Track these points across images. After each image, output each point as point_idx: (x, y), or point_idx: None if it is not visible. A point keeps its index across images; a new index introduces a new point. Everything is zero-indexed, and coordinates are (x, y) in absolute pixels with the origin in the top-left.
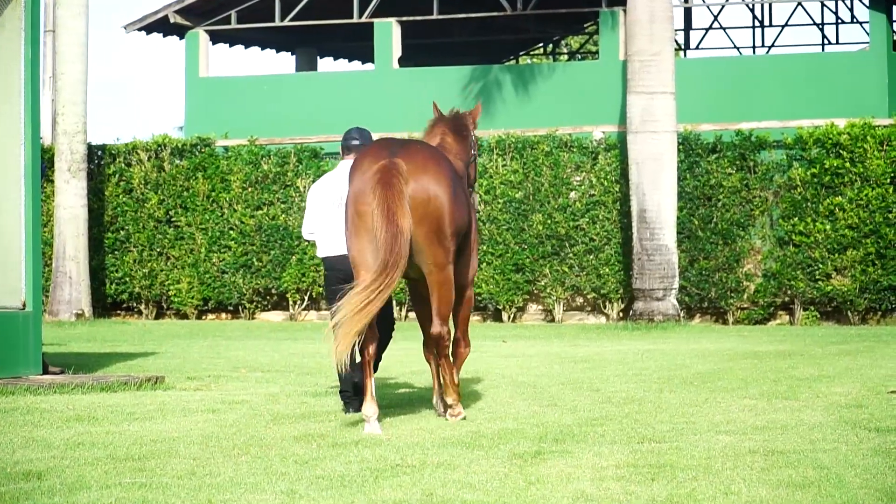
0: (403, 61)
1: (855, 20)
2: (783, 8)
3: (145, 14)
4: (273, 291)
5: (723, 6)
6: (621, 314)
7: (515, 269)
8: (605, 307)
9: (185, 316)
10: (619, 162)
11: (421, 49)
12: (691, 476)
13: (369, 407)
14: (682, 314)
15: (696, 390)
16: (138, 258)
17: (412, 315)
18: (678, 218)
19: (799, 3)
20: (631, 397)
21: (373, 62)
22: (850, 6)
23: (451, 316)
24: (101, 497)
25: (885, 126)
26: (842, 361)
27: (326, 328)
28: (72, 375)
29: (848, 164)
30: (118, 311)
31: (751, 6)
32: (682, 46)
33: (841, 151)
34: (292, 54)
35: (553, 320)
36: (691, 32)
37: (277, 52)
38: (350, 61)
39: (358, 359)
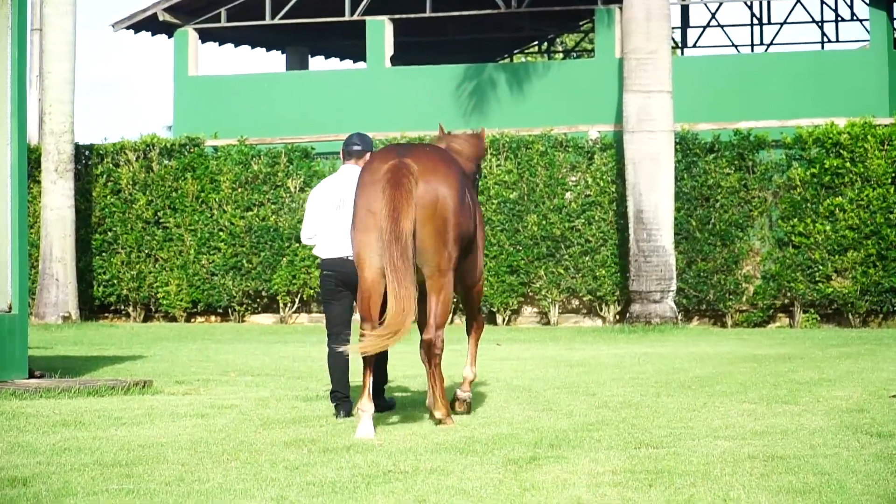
0: (396, 60)
1: (855, 17)
2: (782, 5)
3: (134, 12)
4: (263, 294)
5: (721, 3)
6: (618, 317)
7: (510, 270)
8: (601, 310)
9: (173, 319)
10: (615, 162)
11: (414, 47)
12: (689, 482)
13: (366, 403)
14: (679, 317)
15: (695, 394)
16: (126, 260)
17: None
18: (675, 219)
19: (798, 1)
20: (628, 402)
21: (365, 61)
22: (850, 3)
23: (445, 323)
24: None
25: (885, 125)
26: (843, 365)
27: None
28: (58, 379)
29: (848, 164)
30: (106, 314)
31: (749, 3)
32: (680, 44)
33: (841, 151)
34: (283, 53)
35: (548, 323)
36: (688, 30)
37: (268, 50)
38: (342, 60)
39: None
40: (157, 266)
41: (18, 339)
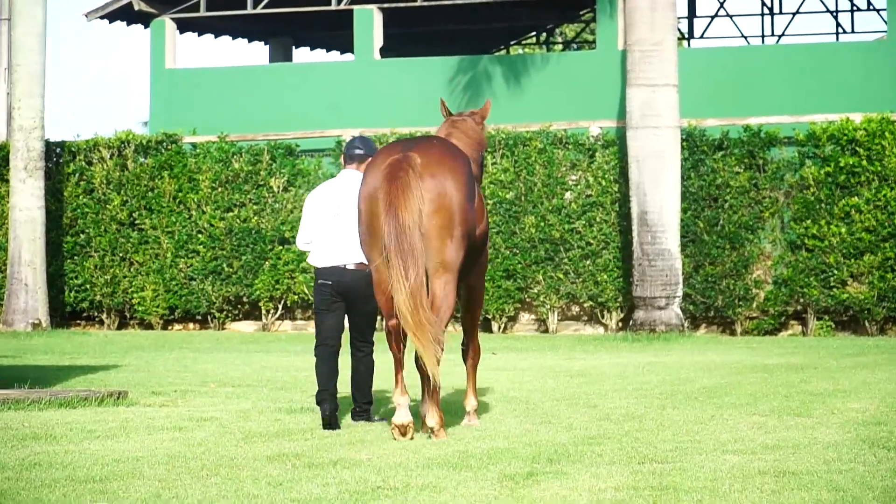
0: (385, 52)
1: (871, 7)
2: None
3: (108, 1)
4: (244, 300)
5: None
6: (620, 324)
7: (506, 275)
8: (602, 317)
9: (149, 326)
10: (617, 160)
11: (404, 38)
12: (696, 499)
13: (400, 396)
14: (686, 324)
15: (702, 406)
16: (99, 264)
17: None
18: (682, 220)
19: None
20: (631, 414)
21: (352, 52)
22: None
23: (447, 325)
24: None
25: None
26: (858, 375)
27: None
28: (28, 390)
29: (864, 162)
30: (78, 321)
31: None
32: (686, 35)
33: (857, 148)
34: (266, 44)
35: (547, 331)
36: (695, 20)
37: (250, 41)
38: (328, 51)
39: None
40: (132, 270)
41: None
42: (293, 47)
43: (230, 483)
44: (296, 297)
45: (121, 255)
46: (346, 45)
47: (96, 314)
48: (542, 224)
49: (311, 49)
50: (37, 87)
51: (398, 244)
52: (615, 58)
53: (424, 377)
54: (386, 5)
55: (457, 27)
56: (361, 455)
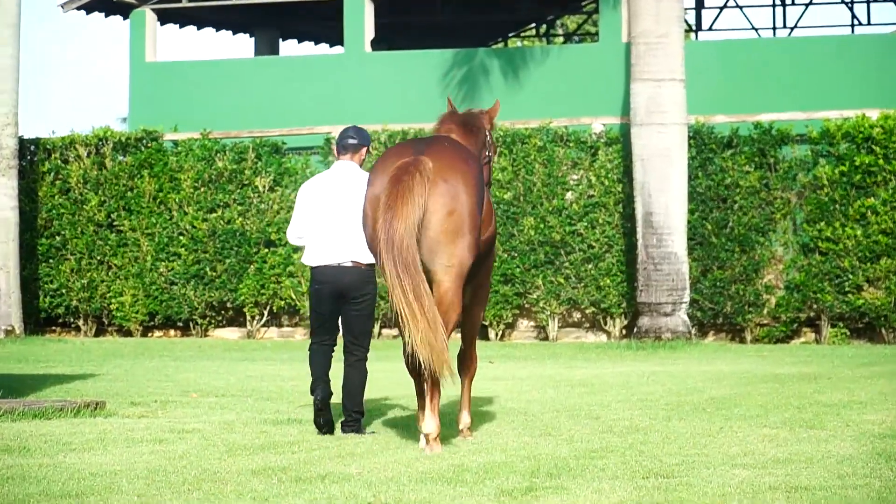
0: (377, 44)
1: None
2: None
3: None
4: (228, 305)
5: None
6: (624, 331)
7: (504, 280)
8: (605, 323)
9: (128, 333)
10: (621, 158)
11: (397, 30)
12: None
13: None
14: (693, 331)
15: (710, 418)
16: (76, 267)
17: (386, 332)
18: (689, 222)
19: None
20: (635, 426)
21: (342, 45)
22: None
23: (450, 332)
24: None
25: None
26: (875, 385)
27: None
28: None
29: (881, 161)
30: (53, 328)
31: None
32: (693, 27)
33: (873, 147)
34: (251, 36)
35: (546, 338)
36: (703, 11)
37: (234, 33)
38: (316, 44)
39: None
40: (110, 274)
41: None
42: (280, 40)
43: (213, 498)
44: (282, 302)
45: (98, 258)
46: (335, 38)
47: (72, 320)
48: (542, 226)
49: (299, 41)
50: (10, 82)
51: (387, 249)
52: (619, 51)
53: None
54: None
55: (452, 18)
56: (351, 469)
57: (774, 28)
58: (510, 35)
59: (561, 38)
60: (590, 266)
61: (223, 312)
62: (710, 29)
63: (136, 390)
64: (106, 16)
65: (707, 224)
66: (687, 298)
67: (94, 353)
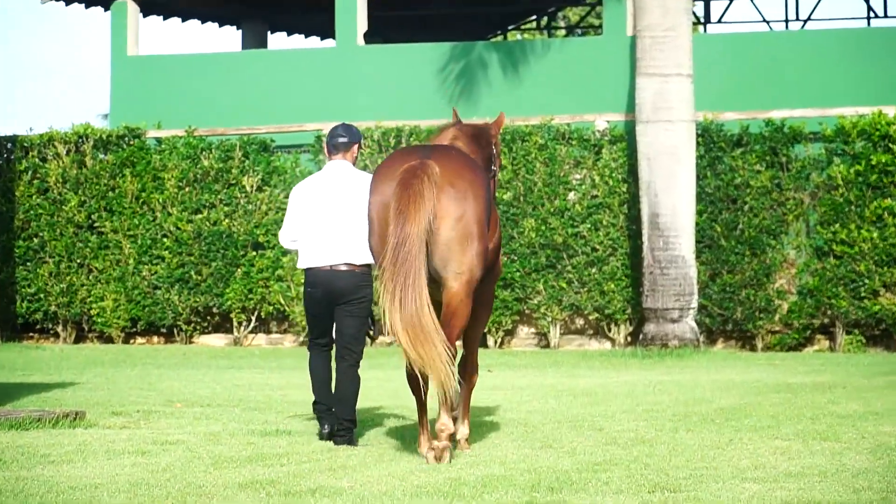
0: (370, 37)
1: None
2: None
3: None
4: (214, 311)
5: None
6: (629, 339)
7: (503, 284)
8: (609, 330)
9: (109, 339)
10: (626, 157)
11: (391, 22)
12: None
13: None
14: (701, 339)
15: (719, 429)
16: (55, 271)
17: (380, 339)
18: (697, 224)
19: None
20: (640, 438)
21: (334, 38)
22: None
23: (458, 338)
24: None
25: None
26: (892, 395)
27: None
28: None
29: None
30: (31, 334)
31: None
32: (702, 20)
33: (890, 145)
34: (238, 29)
35: (548, 346)
36: (712, 3)
37: (220, 26)
38: (307, 37)
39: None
40: (90, 278)
41: None
42: (268, 32)
43: None
44: (271, 307)
45: (78, 261)
46: (326, 30)
47: (51, 326)
48: (543, 228)
49: (288, 34)
50: None
51: (394, 256)
52: (623, 44)
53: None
54: None
55: (449, 10)
56: (342, 483)
57: (787, 20)
58: (510, 28)
59: (563, 31)
60: (593, 270)
61: (209, 318)
62: (719, 21)
63: (118, 400)
64: (86, 7)
65: (716, 226)
66: (695, 304)
67: (74, 361)
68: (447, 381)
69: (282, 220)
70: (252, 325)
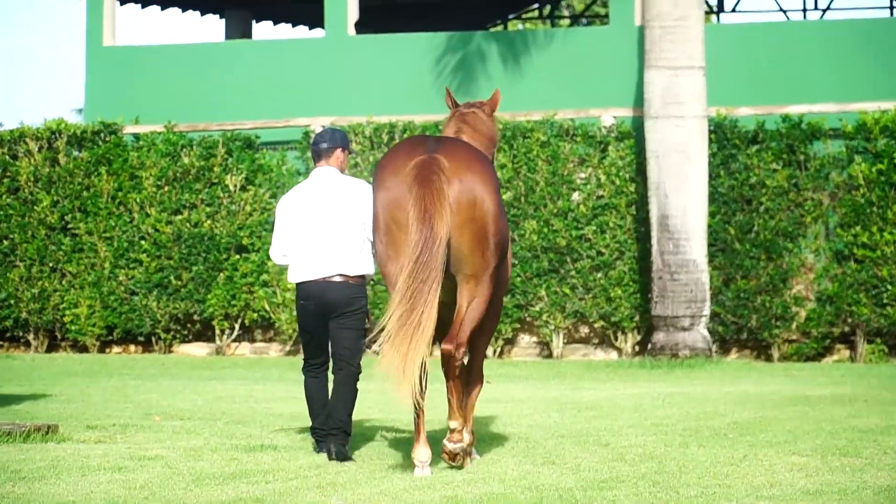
0: (361, 27)
1: None
2: None
3: None
4: (195, 318)
5: None
6: (637, 348)
7: None
8: (616, 339)
9: (84, 348)
10: (634, 155)
11: (385, 10)
12: None
13: (422, 452)
14: (714, 348)
15: (732, 445)
16: (26, 275)
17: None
18: (709, 226)
19: None
20: (649, 453)
21: (323, 28)
22: None
23: (468, 338)
24: None
25: None
26: None
27: (384, 367)
28: None
29: None
30: (0, 342)
31: None
32: (715, 9)
33: None
34: (221, 18)
35: (550, 355)
36: None
37: (202, 14)
38: (294, 27)
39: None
40: (63, 283)
41: None
42: (253, 22)
43: None
44: (255, 315)
45: (51, 264)
46: (315, 19)
47: (21, 334)
48: (546, 230)
49: (274, 24)
50: None
51: (421, 254)
52: (631, 35)
53: (449, 381)
54: None
55: None
56: (332, 501)
57: (805, 10)
58: (510, 17)
59: (567, 21)
60: (599, 275)
61: (189, 326)
62: (733, 11)
63: (93, 412)
64: None
65: (729, 228)
66: (707, 311)
67: (46, 371)
68: (413, 390)
69: (267, 222)
70: (235, 333)
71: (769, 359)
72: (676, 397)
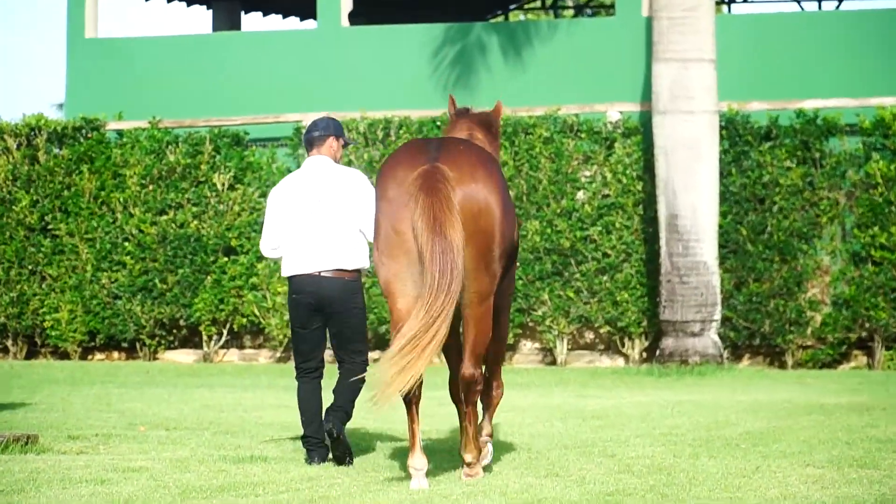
0: (355, 17)
1: None
2: None
3: None
4: (181, 323)
5: None
6: (645, 354)
7: None
8: (623, 345)
9: (65, 355)
10: (641, 152)
11: (379, 1)
12: None
13: (418, 459)
14: (725, 354)
15: (744, 456)
16: (4, 278)
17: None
18: (720, 226)
19: None
20: (657, 465)
21: (315, 18)
22: None
23: (483, 354)
24: None
25: None
26: None
27: (377, 379)
28: None
29: None
30: None
31: None
32: None
33: None
34: (208, 8)
35: (554, 362)
36: None
37: (189, 5)
38: (284, 17)
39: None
40: (43, 286)
41: None
42: (242, 12)
43: None
44: (244, 320)
45: (30, 267)
46: (307, 10)
47: (0, 340)
48: (549, 231)
49: (264, 14)
50: None
51: (445, 270)
52: (638, 26)
53: (465, 408)
54: None
55: None
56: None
57: (820, 0)
58: (512, 7)
59: (571, 11)
60: (604, 278)
61: (175, 332)
62: (745, 1)
63: (74, 422)
64: None
65: (741, 229)
66: (718, 316)
67: (25, 379)
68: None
69: (256, 222)
70: (223, 339)
71: (783, 366)
72: (686, 406)
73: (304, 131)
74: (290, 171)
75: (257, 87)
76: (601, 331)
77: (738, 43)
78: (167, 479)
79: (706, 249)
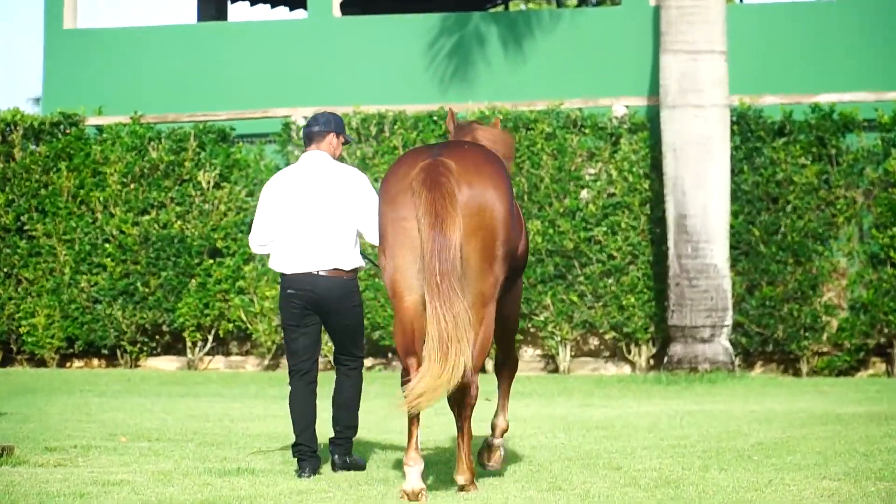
0: (348, 7)
1: None
2: None
3: None
4: (164, 329)
5: None
6: (652, 362)
7: None
8: (629, 352)
9: (42, 362)
10: (648, 149)
11: None
12: None
13: (413, 457)
14: (736, 361)
15: (757, 468)
16: None
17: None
18: (732, 227)
19: None
20: (665, 478)
21: (305, 8)
22: None
23: (481, 366)
24: None
25: None
26: None
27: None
28: None
29: None
30: None
31: None
32: None
33: None
34: None
35: (557, 370)
36: None
37: None
38: (273, 7)
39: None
40: (19, 290)
41: None
42: (228, 2)
43: None
44: (230, 325)
45: (5, 270)
46: (297, 0)
47: None
48: (551, 231)
49: (252, 4)
50: None
51: (441, 266)
52: (646, 16)
53: (459, 422)
54: None
55: None
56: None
57: None
58: None
59: (574, 1)
60: (610, 281)
61: (158, 338)
62: None
63: (52, 433)
64: None
65: (754, 230)
66: (729, 321)
67: (1, 387)
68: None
69: (243, 223)
70: (209, 345)
71: (797, 373)
72: (695, 416)
73: (298, 126)
74: (278, 168)
75: (244, 80)
76: (606, 337)
77: (750, 33)
78: (149, 492)
79: (717, 251)
